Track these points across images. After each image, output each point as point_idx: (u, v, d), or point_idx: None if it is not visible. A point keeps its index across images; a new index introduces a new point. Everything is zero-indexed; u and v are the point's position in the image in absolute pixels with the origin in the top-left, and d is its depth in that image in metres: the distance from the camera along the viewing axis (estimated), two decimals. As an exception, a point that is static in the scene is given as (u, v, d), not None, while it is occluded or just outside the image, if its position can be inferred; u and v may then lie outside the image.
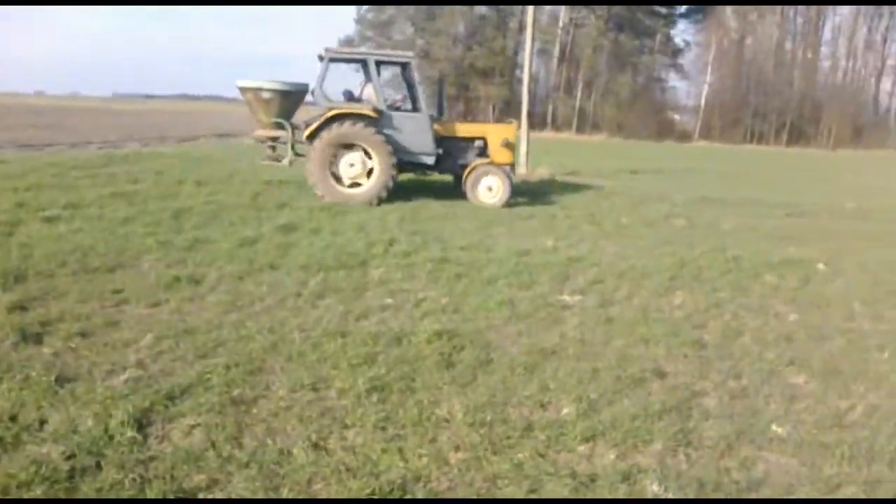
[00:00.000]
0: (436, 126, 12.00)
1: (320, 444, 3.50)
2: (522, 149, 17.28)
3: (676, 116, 52.91)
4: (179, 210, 9.23)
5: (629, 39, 47.65)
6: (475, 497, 3.16)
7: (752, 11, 46.94)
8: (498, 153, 12.12)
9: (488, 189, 11.86)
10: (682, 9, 51.13)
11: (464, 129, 12.59)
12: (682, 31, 66.44)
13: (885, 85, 47.15)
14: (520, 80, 23.33)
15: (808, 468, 3.53)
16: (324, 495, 3.10)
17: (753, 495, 3.26)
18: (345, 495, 3.08)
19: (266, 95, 11.72)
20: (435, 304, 5.84)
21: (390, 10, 48.64)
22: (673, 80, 56.60)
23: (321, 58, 11.62)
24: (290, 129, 11.97)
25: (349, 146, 11.28)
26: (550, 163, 19.88)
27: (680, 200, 13.14)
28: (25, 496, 2.91)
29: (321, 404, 3.93)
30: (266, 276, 6.38)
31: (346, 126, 11.19)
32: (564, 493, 3.18)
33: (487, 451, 3.50)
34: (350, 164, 11.33)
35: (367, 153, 11.27)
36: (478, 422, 3.76)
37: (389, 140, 11.37)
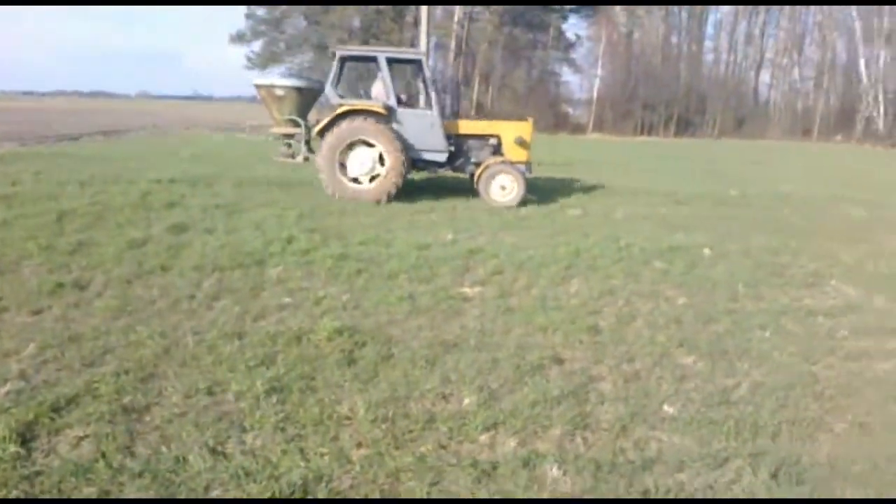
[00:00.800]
0: (447, 123, 11.86)
1: (218, 448, 3.41)
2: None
3: (570, 110, 54.23)
4: (62, 212, 8.76)
5: (523, 34, 48.47)
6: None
7: (640, 6, 48.71)
8: (512, 151, 11.95)
9: (501, 188, 11.61)
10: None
11: (477, 127, 12.46)
12: (574, 26, 68.13)
13: (764, 77, 49.84)
14: (416, 75, 23.36)
15: (698, 444, 3.69)
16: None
17: (646, 474, 3.38)
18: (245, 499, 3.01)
19: (279, 92, 11.74)
20: (335, 301, 5.77)
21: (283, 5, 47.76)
22: (566, 74, 57.88)
23: (334, 55, 11.62)
24: (304, 126, 11.98)
25: (359, 143, 11.20)
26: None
27: (576, 190, 13.48)
28: None
29: (218, 408, 3.82)
30: (157, 279, 6.15)
31: (357, 123, 11.13)
32: (467, 484, 3.20)
33: (390, 446, 3.49)
34: (360, 162, 11.25)
35: (377, 150, 11.19)
36: (380, 417, 3.75)
37: (400, 137, 11.27)
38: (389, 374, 4.35)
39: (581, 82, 42.06)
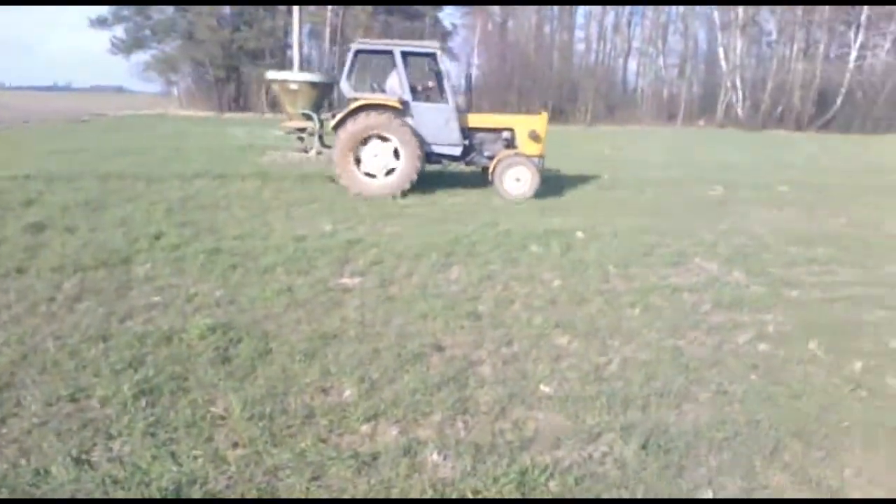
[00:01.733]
0: (461, 117, 11.72)
1: (82, 458, 3.24)
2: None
3: (449, 98, 54.48)
4: None
5: (398, 22, 48.32)
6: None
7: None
8: (526, 144, 11.87)
9: (516, 180, 11.53)
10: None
11: (490, 121, 12.32)
12: (450, 15, 68.58)
13: (632, 65, 51.92)
14: (292, 62, 22.82)
15: (573, 421, 3.81)
16: (86, 514, 2.87)
17: (525, 453, 3.45)
18: (110, 511, 2.87)
19: (293, 87, 11.76)
20: (208, 297, 5.58)
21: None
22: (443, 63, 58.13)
23: (349, 49, 11.50)
24: (317, 121, 11.93)
25: (374, 137, 11.13)
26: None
27: (456, 179, 13.59)
28: None
29: (82, 416, 3.62)
30: (12, 283, 5.74)
31: (373, 117, 11.05)
32: (348, 475, 3.18)
33: (268, 443, 3.41)
34: (374, 155, 11.20)
35: (392, 144, 11.12)
36: (257, 415, 3.66)
37: (415, 131, 11.20)
38: (266, 370, 4.25)
39: (458, 71, 42.33)
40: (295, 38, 20.15)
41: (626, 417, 3.89)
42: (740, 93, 43.83)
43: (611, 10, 48.75)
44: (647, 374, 4.47)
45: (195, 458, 3.26)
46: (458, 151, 11.83)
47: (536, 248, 7.65)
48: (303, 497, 3.05)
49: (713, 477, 3.35)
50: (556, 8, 49.26)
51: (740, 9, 42.66)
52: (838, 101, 40.85)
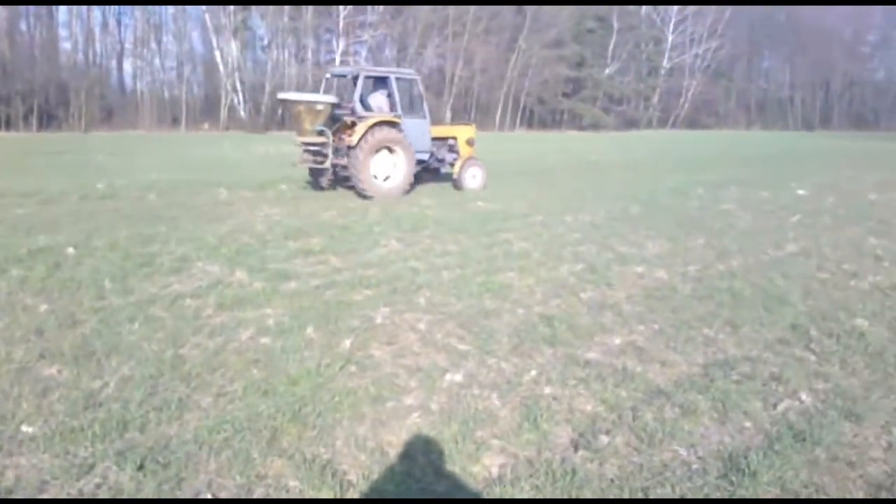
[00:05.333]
0: None
1: None
2: None
3: None
4: None
5: None
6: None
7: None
8: (465, 149, 15.41)
9: (472, 177, 14.97)
10: None
11: (442, 131, 15.56)
12: None
13: (127, 66, 49.46)
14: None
15: (62, 458, 3.47)
16: None
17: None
18: None
19: (319, 107, 13.09)
20: None
21: None
22: None
23: (355, 76, 13.80)
24: (329, 136, 13.17)
25: (384, 148, 13.34)
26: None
27: None
28: None
29: None
30: None
31: (384, 132, 13.22)
32: None
33: None
34: (381, 164, 13.42)
35: (397, 153, 13.53)
36: None
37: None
38: None
39: None
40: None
41: (123, 442, 3.67)
42: (241, 95, 45.07)
43: (96, 8, 45.63)
44: (146, 390, 4.29)
45: None
46: (427, 157, 14.64)
47: (18, 272, 6.78)
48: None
49: (213, 479, 3.36)
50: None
51: (231, 11, 43.71)
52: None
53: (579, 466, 3.57)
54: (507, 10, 50.89)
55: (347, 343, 5.21)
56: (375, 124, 13.19)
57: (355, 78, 13.70)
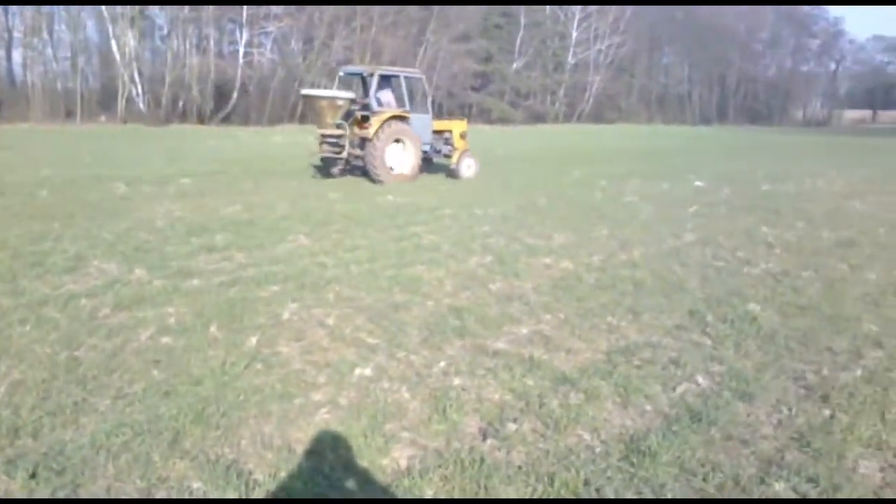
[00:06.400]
0: None
1: None
2: None
3: None
4: None
5: None
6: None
7: None
8: (459, 142, 16.82)
9: (468, 167, 16.37)
10: None
11: (440, 125, 16.96)
12: None
13: (16, 57, 46.83)
14: None
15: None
16: None
17: None
18: None
19: (339, 102, 14.79)
20: None
21: None
22: None
23: (370, 74, 15.28)
24: (347, 128, 14.81)
25: (395, 140, 14.86)
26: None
27: None
28: None
29: None
30: None
31: (397, 125, 14.80)
32: None
33: None
34: (391, 154, 14.92)
35: (407, 144, 15.13)
36: None
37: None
38: None
39: None
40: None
41: (13, 449, 3.49)
42: (140, 87, 43.40)
43: (-19, -5, 42.98)
44: (40, 394, 4.10)
45: None
46: (428, 148, 16.24)
47: None
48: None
49: (111, 484, 3.24)
50: None
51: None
52: (234, 96, 43.57)
53: (487, 455, 3.62)
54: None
55: (253, 340, 5.10)
56: (388, 119, 14.72)
57: (370, 76, 15.29)
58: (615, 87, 67.56)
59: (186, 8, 42.56)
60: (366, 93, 15.45)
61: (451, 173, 16.37)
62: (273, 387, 4.34)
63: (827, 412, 4.20)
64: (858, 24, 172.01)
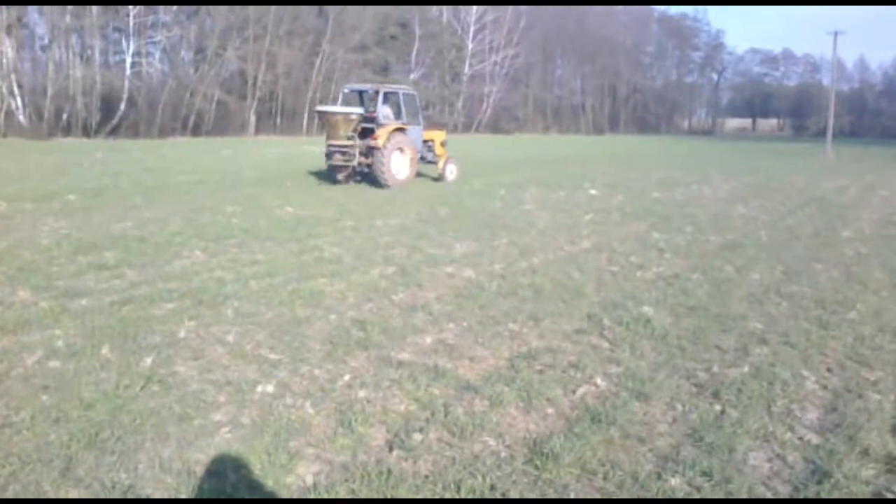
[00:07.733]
0: None
1: None
2: None
3: None
4: None
5: None
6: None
7: None
8: (440, 149, 19.08)
9: (451, 172, 18.72)
10: None
11: (426, 135, 18.95)
12: None
13: None
14: None
15: None
16: None
17: None
18: None
19: (352, 117, 16.83)
20: None
21: None
22: None
23: (376, 91, 17.89)
24: (357, 140, 16.83)
25: (398, 150, 17.00)
26: None
27: None
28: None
29: None
30: None
31: (400, 136, 17.08)
32: None
33: None
34: (395, 162, 16.97)
35: (406, 153, 17.35)
36: None
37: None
38: None
39: None
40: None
41: None
42: (20, 100, 41.15)
43: None
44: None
45: None
46: (419, 156, 18.01)
47: None
48: None
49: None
50: None
51: (4, 7, 39.80)
52: (122, 108, 41.89)
53: (394, 466, 3.61)
54: (309, 12, 50.28)
55: (148, 361, 4.92)
56: (393, 130, 16.73)
57: (376, 93, 17.69)
58: (512, 98, 68.92)
59: (68, 17, 40.65)
60: (365, 108, 17.79)
61: (438, 178, 18.61)
62: (171, 408, 4.20)
63: (718, 408, 4.42)
64: (738, 36, 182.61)
